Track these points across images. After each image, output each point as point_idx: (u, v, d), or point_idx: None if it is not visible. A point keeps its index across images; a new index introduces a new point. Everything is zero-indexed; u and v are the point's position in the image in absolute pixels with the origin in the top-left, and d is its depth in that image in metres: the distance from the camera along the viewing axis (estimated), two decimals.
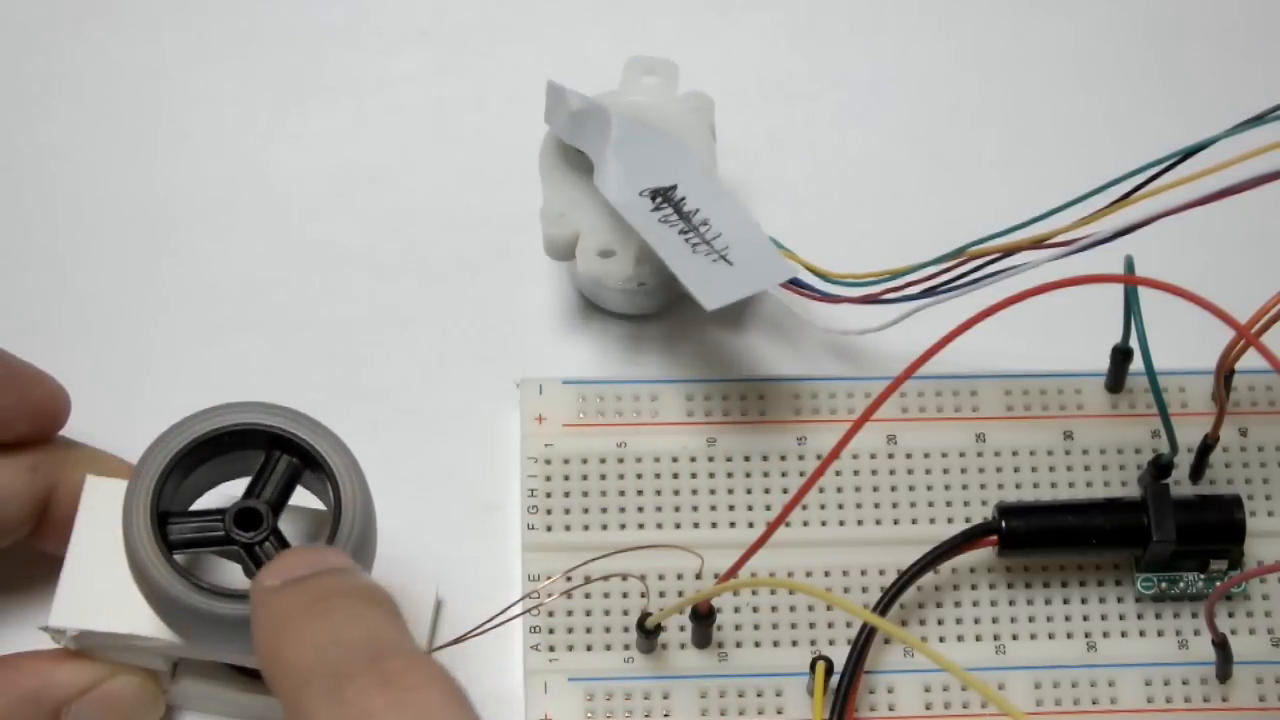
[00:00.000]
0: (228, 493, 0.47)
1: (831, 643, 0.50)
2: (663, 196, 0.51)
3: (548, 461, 0.52)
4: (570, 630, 0.50)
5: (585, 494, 0.52)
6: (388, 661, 0.39)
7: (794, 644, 0.50)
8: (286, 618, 0.41)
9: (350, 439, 0.46)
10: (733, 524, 0.52)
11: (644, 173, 0.51)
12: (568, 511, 0.51)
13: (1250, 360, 0.48)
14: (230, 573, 0.47)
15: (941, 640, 0.51)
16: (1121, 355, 0.52)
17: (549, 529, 0.51)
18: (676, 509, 0.52)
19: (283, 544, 0.45)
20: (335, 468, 0.45)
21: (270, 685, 0.40)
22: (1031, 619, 0.51)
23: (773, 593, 0.51)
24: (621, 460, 0.52)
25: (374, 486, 0.46)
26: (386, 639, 0.40)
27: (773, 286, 0.51)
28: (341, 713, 0.38)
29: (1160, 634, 0.51)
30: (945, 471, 0.52)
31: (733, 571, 0.48)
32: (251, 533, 0.45)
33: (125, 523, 0.45)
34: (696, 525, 0.52)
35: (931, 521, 0.52)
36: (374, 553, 0.46)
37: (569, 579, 0.50)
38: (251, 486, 0.46)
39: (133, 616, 0.46)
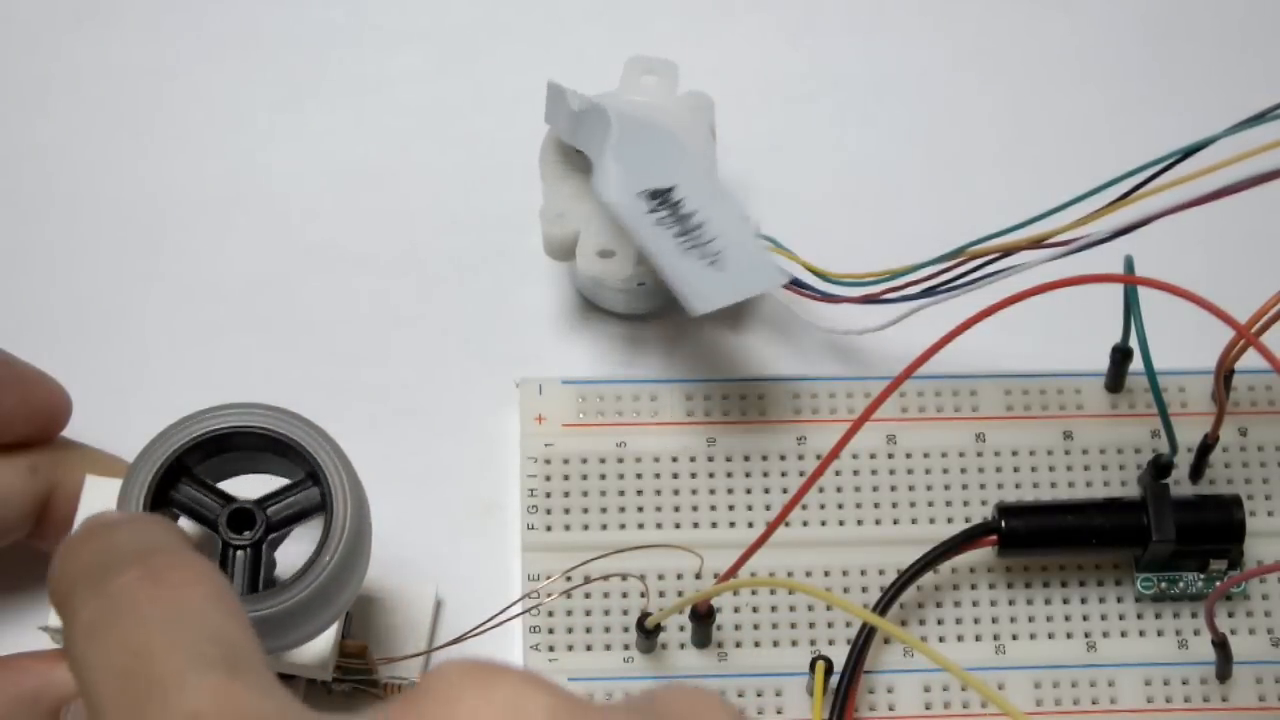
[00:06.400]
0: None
1: (831, 643, 0.50)
2: (661, 198, 0.50)
3: (548, 461, 0.52)
4: (570, 630, 0.50)
5: (585, 494, 0.52)
6: (157, 558, 0.38)
7: (794, 644, 0.50)
8: (64, 544, 0.40)
9: (349, 439, 0.46)
10: (733, 524, 0.52)
11: (643, 174, 0.51)
12: (567, 511, 0.51)
13: (1250, 360, 0.48)
14: None
15: (941, 640, 0.51)
16: (1121, 355, 0.52)
17: (549, 529, 0.51)
18: (676, 509, 0.52)
19: (279, 526, 0.46)
20: (325, 467, 0.45)
21: (53, 603, 0.39)
22: (1031, 619, 0.51)
23: (773, 593, 0.51)
24: (621, 460, 0.52)
25: (373, 487, 0.46)
26: (159, 543, 0.39)
27: (763, 291, 0.51)
28: (104, 605, 0.37)
29: (1160, 634, 0.51)
30: (945, 471, 0.52)
31: (733, 571, 0.48)
32: (247, 534, 0.45)
33: None
34: (696, 525, 0.52)
35: (931, 521, 0.52)
36: (369, 553, 0.46)
37: (569, 579, 0.50)
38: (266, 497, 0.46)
39: None
